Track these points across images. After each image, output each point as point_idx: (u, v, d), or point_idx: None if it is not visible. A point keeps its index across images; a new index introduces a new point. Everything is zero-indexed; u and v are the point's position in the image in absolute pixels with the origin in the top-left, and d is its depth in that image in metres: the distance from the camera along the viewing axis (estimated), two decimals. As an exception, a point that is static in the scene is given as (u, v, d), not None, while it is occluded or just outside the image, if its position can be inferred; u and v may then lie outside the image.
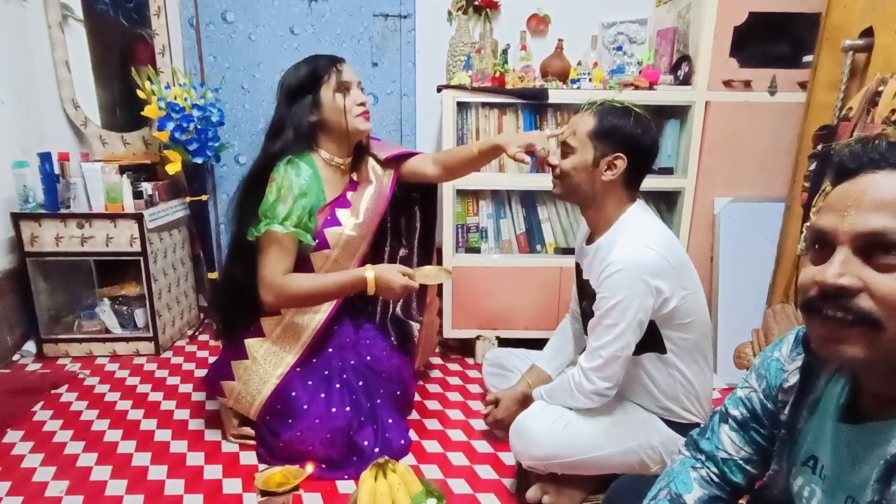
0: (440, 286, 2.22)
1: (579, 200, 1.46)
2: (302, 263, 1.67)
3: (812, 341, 0.69)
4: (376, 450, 1.63)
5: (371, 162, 1.84)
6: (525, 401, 1.61)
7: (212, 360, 2.22)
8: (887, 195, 0.62)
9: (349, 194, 1.76)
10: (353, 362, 1.73)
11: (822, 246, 0.67)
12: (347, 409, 1.65)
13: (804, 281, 0.67)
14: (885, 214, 0.62)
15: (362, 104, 1.67)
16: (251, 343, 1.70)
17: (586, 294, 1.47)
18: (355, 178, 1.80)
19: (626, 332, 1.32)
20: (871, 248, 0.62)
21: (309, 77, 1.64)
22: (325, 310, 1.71)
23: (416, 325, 2.01)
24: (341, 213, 1.72)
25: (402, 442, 1.72)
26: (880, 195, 0.63)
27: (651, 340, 1.38)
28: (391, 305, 2.06)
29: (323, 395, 1.65)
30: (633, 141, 1.36)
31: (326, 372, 1.69)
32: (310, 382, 1.67)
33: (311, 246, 1.66)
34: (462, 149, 1.81)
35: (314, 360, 1.71)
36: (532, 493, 1.46)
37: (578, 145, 1.39)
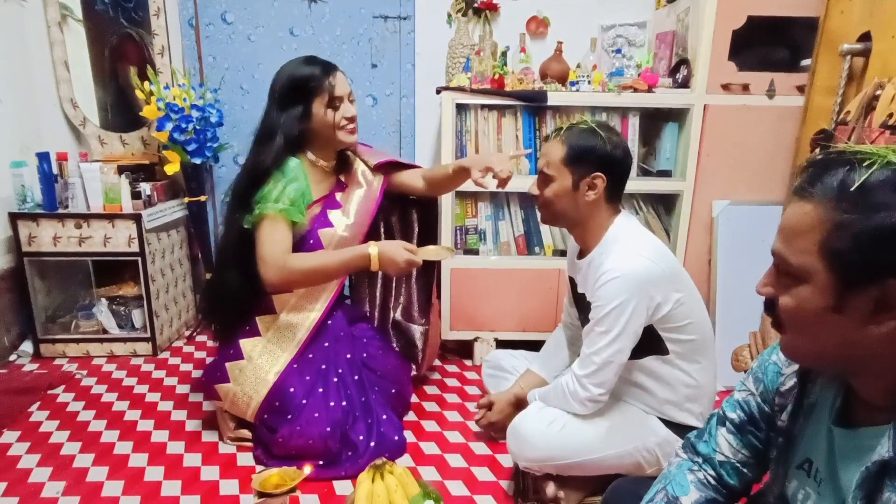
0: (438, 288, 2.22)
1: (567, 224, 1.49)
2: None
3: None
4: (371, 444, 1.64)
5: (361, 166, 1.87)
6: (518, 403, 1.62)
7: (210, 360, 2.21)
8: (787, 221, 0.68)
9: (338, 195, 1.79)
10: (348, 356, 1.74)
11: None
12: (344, 403, 1.66)
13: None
14: (781, 238, 0.68)
15: (351, 118, 1.70)
16: (246, 343, 1.71)
17: (584, 307, 1.48)
18: (343, 179, 1.82)
19: (618, 338, 1.33)
20: (781, 266, 0.68)
21: (302, 88, 1.64)
22: (319, 308, 1.73)
23: (418, 329, 2.02)
24: (333, 215, 1.75)
25: (397, 438, 1.71)
26: (786, 221, 0.69)
27: (652, 344, 1.39)
28: (390, 310, 2.07)
29: (321, 390, 1.66)
30: (606, 158, 1.38)
31: (324, 366, 1.71)
32: (307, 377, 1.68)
33: (303, 229, 1.67)
34: (443, 167, 1.89)
35: (310, 355, 1.72)
36: (550, 490, 1.46)
37: (555, 173, 1.41)
